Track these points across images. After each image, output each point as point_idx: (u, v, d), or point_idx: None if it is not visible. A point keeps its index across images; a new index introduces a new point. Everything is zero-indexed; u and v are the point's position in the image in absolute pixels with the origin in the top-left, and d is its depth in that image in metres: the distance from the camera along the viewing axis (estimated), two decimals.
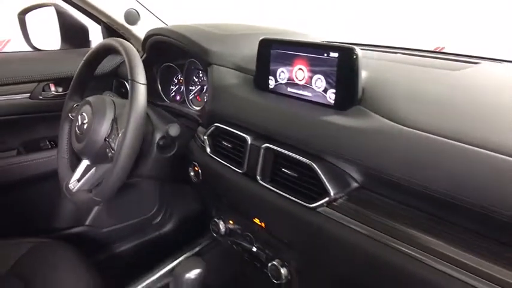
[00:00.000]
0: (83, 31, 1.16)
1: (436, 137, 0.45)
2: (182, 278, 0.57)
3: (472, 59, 0.72)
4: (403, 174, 0.46)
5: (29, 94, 1.05)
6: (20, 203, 1.11)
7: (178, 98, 1.01)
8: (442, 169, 0.43)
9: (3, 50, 2.83)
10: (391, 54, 0.79)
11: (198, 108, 0.91)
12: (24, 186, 1.09)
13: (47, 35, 1.23)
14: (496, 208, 0.39)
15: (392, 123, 0.50)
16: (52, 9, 1.14)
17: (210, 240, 0.92)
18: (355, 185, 0.53)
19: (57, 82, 1.08)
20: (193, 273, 0.57)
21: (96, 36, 1.18)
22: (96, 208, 1.24)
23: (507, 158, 0.39)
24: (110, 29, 1.11)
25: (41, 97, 1.06)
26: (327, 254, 0.55)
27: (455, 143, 0.43)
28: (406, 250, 0.44)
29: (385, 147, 0.49)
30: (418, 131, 0.47)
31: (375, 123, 0.51)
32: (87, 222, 1.22)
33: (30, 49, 1.18)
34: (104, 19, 1.09)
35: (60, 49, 1.16)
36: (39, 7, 1.18)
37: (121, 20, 1.06)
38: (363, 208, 0.50)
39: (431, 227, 0.45)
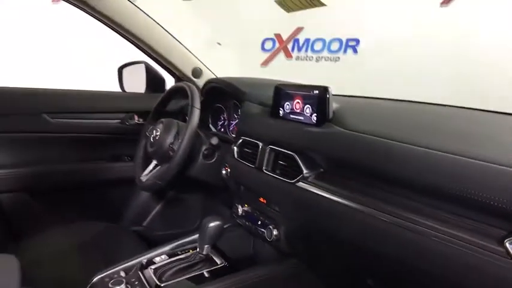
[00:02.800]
0: (161, 81, 1.62)
1: (370, 136, 0.74)
2: (207, 226, 0.88)
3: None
4: (351, 160, 0.76)
5: (119, 120, 1.49)
6: (102, 196, 1.50)
7: (223, 129, 1.38)
8: (375, 155, 0.72)
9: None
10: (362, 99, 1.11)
11: (234, 135, 1.28)
12: (107, 185, 1.49)
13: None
14: (416, 178, 0.64)
15: (345, 130, 0.81)
16: (142, 66, 1.63)
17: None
18: (320, 169, 0.83)
19: (139, 114, 1.52)
20: (215, 223, 0.88)
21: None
22: (151, 215, 1.59)
23: (425, 150, 0.65)
24: (180, 80, 1.56)
25: (127, 123, 1.50)
26: (302, 212, 0.84)
27: (387, 140, 0.71)
28: (351, 204, 0.72)
29: (339, 144, 0.80)
30: (360, 133, 0.77)
31: (335, 131, 0.82)
32: (144, 224, 1.57)
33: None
34: (177, 73, 1.54)
35: (144, 92, 1.62)
36: (135, 64, 1.68)
37: (189, 74, 1.50)
38: (325, 183, 0.80)
39: (368, 192, 0.71)
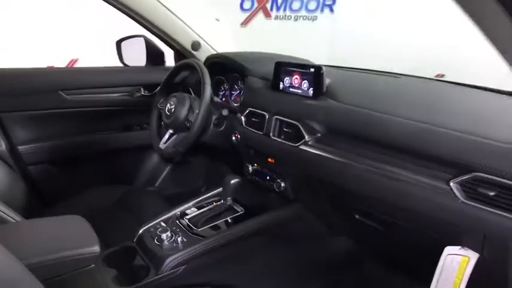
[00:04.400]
0: (161, 54, 1.75)
1: (359, 108, 0.96)
2: (230, 182, 1.11)
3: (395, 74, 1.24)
4: (341, 127, 0.99)
5: (127, 93, 1.65)
6: (117, 163, 1.69)
7: (224, 99, 1.57)
8: (360, 123, 0.94)
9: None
10: (350, 71, 1.32)
11: (236, 104, 1.47)
12: (120, 153, 1.68)
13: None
14: (390, 140, 0.88)
15: (337, 102, 1.02)
16: (141, 39, 1.74)
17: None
18: (318, 134, 1.05)
19: (145, 87, 1.68)
20: (235, 180, 1.11)
21: (169, 58, 1.77)
22: (162, 176, 1.80)
23: (396, 118, 0.88)
24: (179, 53, 1.70)
25: (134, 96, 1.66)
26: (304, 168, 1.08)
27: (368, 111, 0.93)
28: (342, 159, 0.95)
29: (332, 114, 1.02)
30: (348, 105, 0.99)
31: (329, 103, 1.04)
32: (156, 184, 1.79)
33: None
34: (176, 46, 1.67)
35: (145, 66, 1.75)
36: (133, 37, 1.79)
37: (188, 47, 1.65)
38: (322, 145, 1.03)
39: (355, 151, 0.95)
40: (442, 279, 0.80)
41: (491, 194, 0.70)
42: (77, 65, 3.51)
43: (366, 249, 1.23)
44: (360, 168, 0.91)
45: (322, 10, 3.45)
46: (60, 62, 3.10)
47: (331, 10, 3.43)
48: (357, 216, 1.06)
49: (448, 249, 0.80)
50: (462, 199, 0.73)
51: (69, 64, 3.41)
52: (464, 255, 0.78)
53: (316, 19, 3.47)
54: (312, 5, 3.45)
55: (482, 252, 0.77)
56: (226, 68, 1.45)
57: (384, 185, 0.87)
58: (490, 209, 0.70)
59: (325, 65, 1.14)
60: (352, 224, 1.10)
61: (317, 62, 1.26)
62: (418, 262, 1.03)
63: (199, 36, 1.66)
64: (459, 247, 0.80)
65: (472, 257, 0.77)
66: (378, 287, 1.22)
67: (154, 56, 1.74)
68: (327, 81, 1.09)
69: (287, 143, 1.10)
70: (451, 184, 0.75)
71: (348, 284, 1.20)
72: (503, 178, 0.68)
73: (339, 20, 3.37)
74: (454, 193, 0.74)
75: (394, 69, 1.24)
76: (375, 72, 1.28)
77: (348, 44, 2.98)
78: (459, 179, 0.74)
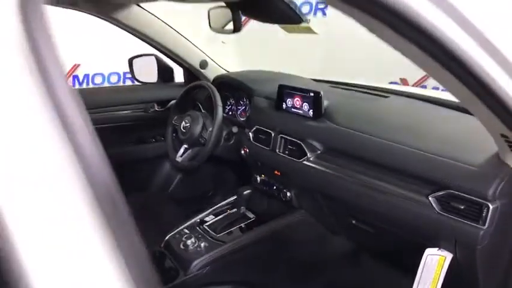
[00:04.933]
0: (171, 71, 1.89)
1: (353, 131, 1.13)
2: (243, 193, 1.28)
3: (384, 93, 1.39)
4: (338, 147, 1.15)
5: (142, 109, 1.80)
6: (135, 172, 1.84)
7: (231, 113, 1.73)
8: (354, 144, 1.11)
9: (75, 73, 3.60)
10: (344, 90, 1.48)
11: (243, 119, 1.63)
12: (138, 163, 1.83)
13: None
14: (380, 160, 1.05)
15: (334, 124, 1.19)
16: (152, 58, 1.89)
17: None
18: (318, 152, 1.22)
19: (158, 103, 1.83)
20: (248, 191, 1.28)
21: (178, 74, 1.92)
22: (174, 183, 1.97)
23: (384, 141, 1.05)
24: (188, 70, 1.85)
25: (149, 112, 1.81)
26: (307, 180, 1.25)
27: (361, 134, 1.10)
28: (339, 174, 1.12)
29: (330, 135, 1.18)
30: (345, 128, 1.15)
31: (327, 125, 1.20)
32: (169, 190, 1.95)
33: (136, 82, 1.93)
34: (185, 65, 1.82)
35: (156, 82, 1.90)
36: (144, 55, 1.93)
37: (197, 66, 1.80)
38: (321, 161, 1.19)
39: (350, 167, 1.12)
40: (424, 274, 0.97)
41: (462, 207, 0.88)
42: (79, 69, 3.62)
43: (361, 248, 1.41)
44: (354, 183, 1.08)
45: (315, 13, 3.59)
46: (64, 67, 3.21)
47: (324, 14, 3.57)
48: (353, 222, 1.23)
49: (428, 251, 0.97)
50: (438, 210, 0.91)
51: (72, 69, 3.51)
52: (441, 255, 0.96)
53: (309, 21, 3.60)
54: (305, 9, 3.59)
55: (455, 253, 0.95)
56: (233, 87, 1.60)
57: (374, 197, 1.05)
58: (460, 219, 0.87)
59: (319, 80, 1.31)
60: (348, 227, 1.28)
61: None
62: (405, 259, 1.21)
63: (206, 55, 1.81)
64: (437, 248, 0.97)
65: (448, 256, 0.95)
66: (373, 279, 1.40)
67: (164, 73, 1.88)
68: (325, 103, 1.25)
69: (291, 158, 1.27)
70: (430, 198, 0.92)
71: (348, 277, 1.38)
72: (471, 195, 0.86)
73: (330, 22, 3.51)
74: (431, 205, 0.92)
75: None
76: (367, 89, 1.44)
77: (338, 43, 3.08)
78: (436, 194, 0.92)
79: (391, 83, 2.84)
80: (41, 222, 0.27)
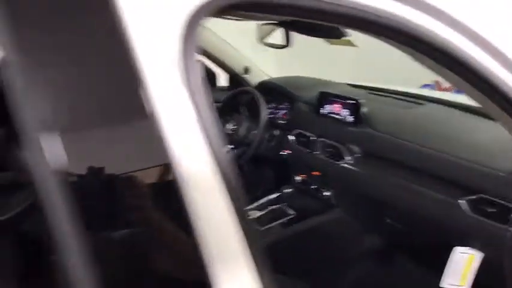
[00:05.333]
0: (214, 76, 2.04)
1: (393, 137, 1.22)
2: (284, 190, 1.40)
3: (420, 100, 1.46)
4: (376, 151, 1.25)
5: None
6: None
7: (271, 116, 1.85)
8: (392, 149, 1.21)
9: None
10: (381, 97, 1.56)
11: (283, 122, 1.74)
12: None
13: None
14: (416, 165, 1.15)
15: (373, 130, 1.28)
16: (199, 63, 2.04)
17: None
18: (356, 155, 1.32)
19: None
20: (288, 189, 1.40)
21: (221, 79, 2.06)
22: None
23: (421, 147, 1.14)
24: (232, 75, 1.98)
25: None
26: (344, 181, 1.36)
27: (399, 140, 1.19)
28: (376, 177, 1.22)
29: (369, 140, 1.28)
30: (384, 134, 1.25)
31: (367, 130, 1.30)
32: None
33: None
34: (230, 70, 1.96)
35: None
36: None
37: (240, 71, 1.93)
38: (359, 163, 1.29)
39: (388, 170, 1.22)
40: (452, 270, 1.06)
41: (492, 210, 0.96)
42: None
43: (392, 246, 1.50)
44: (391, 185, 1.19)
45: None
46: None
47: None
48: (387, 221, 1.32)
49: (458, 249, 1.06)
50: (469, 213, 1.00)
51: None
52: (471, 254, 1.04)
53: None
54: None
55: (484, 253, 1.03)
56: (275, 92, 1.73)
57: (409, 199, 1.14)
58: (489, 221, 0.96)
59: (355, 85, 1.41)
60: (382, 226, 1.37)
61: None
62: (434, 258, 1.30)
63: (249, 62, 1.94)
64: (468, 248, 1.06)
65: (477, 255, 1.03)
66: (402, 277, 1.49)
67: (208, 77, 2.04)
68: (364, 109, 1.35)
69: (330, 160, 1.38)
70: (462, 201, 1.01)
71: (379, 274, 1.48)
72: (502, 200, 0.94)
73: None
74: (463, 208, 1.01)
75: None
76: (402, 96, 1.52)
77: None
78: (468, 198, 1.01)
79: (425, 85, 2.89)
80: None
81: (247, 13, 0.56)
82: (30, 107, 0.39)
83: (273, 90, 1.74)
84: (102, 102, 0.49)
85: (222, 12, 0.48)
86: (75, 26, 0.45)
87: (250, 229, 0.46)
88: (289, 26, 1.24)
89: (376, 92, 1.61)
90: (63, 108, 0.46)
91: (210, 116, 0.44)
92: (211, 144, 0.44)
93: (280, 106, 1.78)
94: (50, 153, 0.38)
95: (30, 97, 0.39)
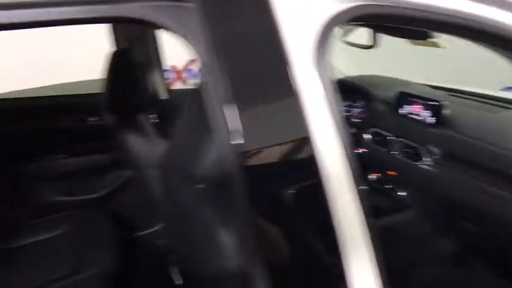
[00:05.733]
0: None
1: (476, 140, 1.20)
2: None
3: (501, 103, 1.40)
4: (457, 153, 1.24)
5: None
6: None
7: (347, 114, 1.88)
8: (474, 153, 1.19)
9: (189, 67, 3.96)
10: (461, 99, 1.51)
11: (358, 120, 1.76)
12: None
13: None
14: (487, 165, 1.14)
15: (455, 133, 1.27)
16: None
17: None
18: (435, 156, 1.31)
19: None
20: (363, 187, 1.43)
21: None
22: None
23: (502, 151, 1.12)
24: None
25: None
26: (421, 182, 1.36)
27: (481, 143, 1.17)
28: (453, 178, 1.21)
29: (450, 142, 1.27)
30: (466, 137, 1.23)
31: (449, 132, 1.29)
32: None
33: None
34: None
35: None
36: None
37: None
38: (438, 165, 1.29)
39: (467, 172, 1.20)
40: None
41: None
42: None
43: (465, 249, 1.47)
44: (470, 188, 1.18)
45: None
46: None
47: None
48: (464, 223, 1.30)
49: None
50: None
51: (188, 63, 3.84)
52: None
53: None
54: None
55: None
56: (351, 90, 1.75)
57: (487, 201, 1.14)
58: None
59: (435, 86, 1.39)
60: (456, 227, 1.35)
61: None
62: (507, 261, 1.26)
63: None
64: None
65: None
66: (475, 281, 1.45)
67: None
68: (446, 111, 1.33)
69: (408, 160, 1.38)
70: None
71: (451, 277, 1.45)
72: None
73: None
74: None
75: None
76: (482, 98, 1.47)
77: None
78: None
79: (507, 88, 2.69)
80: None
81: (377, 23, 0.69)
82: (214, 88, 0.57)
83: (348, 88, 1.77)
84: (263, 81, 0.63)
85: (356, 20, 0.62)
86: (243, 24, 0.62)
87: (368, 216, 0.57)
88: (376, 27, 1.27)
89: (456, 94, 1.57)
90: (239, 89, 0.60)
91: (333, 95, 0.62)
92: (335, 119, 0.62)
93: (356, 104, 1.81)
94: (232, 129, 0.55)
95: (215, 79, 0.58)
